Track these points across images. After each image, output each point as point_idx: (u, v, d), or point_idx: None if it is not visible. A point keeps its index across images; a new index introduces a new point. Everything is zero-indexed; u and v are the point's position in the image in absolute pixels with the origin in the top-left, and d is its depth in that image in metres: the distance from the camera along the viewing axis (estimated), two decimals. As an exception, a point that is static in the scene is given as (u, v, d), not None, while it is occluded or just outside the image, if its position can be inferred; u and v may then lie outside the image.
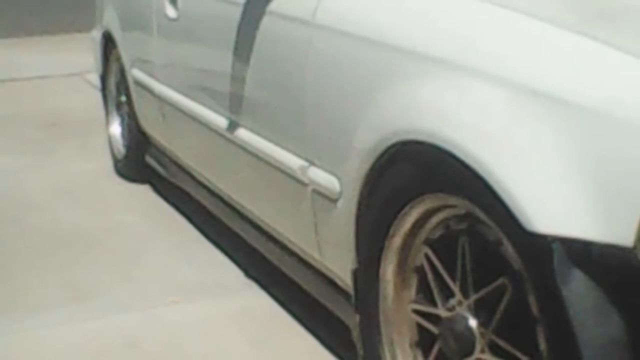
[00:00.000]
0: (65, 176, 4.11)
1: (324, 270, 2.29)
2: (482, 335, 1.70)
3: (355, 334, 2.07)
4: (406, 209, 1.82)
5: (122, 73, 3.85)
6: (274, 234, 2.59)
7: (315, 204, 2.18)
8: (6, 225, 3.49)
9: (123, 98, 3.97)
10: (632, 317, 1.39)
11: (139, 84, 3.58)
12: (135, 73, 3.61)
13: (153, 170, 3.75)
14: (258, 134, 2.47)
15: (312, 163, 2.18)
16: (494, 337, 1.68)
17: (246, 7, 2.45)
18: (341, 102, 2.03)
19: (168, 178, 3.61)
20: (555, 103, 1.49)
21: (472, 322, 1.72)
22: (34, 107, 5.49)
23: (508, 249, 1.58)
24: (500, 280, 1.64)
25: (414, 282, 1.91)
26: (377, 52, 1.91)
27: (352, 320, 2.08)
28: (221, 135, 2.70)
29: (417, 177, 1.77)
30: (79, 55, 6.37)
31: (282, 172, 2.32)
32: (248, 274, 2.97)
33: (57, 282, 2.96)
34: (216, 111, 2.75)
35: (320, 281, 2.34)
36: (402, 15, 1.91)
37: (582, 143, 1.44)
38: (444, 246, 1.80)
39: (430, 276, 1.84)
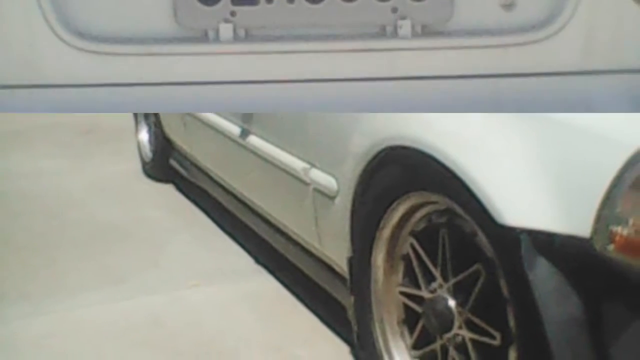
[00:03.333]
0: (99, 177, 4.10)
1: (323, 257, 2.29)
2: (460, 313, 1.70)
3: (350, 312, 2.07)
4: (394, 205, 1.82)
5: (149, 87, 3.84)
6: (281, 227, 2.58)
7: (316, 200, 2.18)
8: (49, 219, 3.48)
9: (150, 109, 3.96)
10: (588, 298, 1.40)
11: (163, 97, 3.57)
12: (161, 87, 3.60)
13: (176, 171, 3.74)
14: (266, 140, 2.46)
15: (313, 165, 2.18)
16: (470, 316, 1.68)
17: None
18: (338, 112, 2.03)
19: (189, 178, 3.60)
20: (523, 113, 1.49)
21: (451, 303, 1.72)
22: (71, 116, 5.44)
23: (482, 239, 1.58)
24: (475, 267, 1.64)
25: (401, 268, 1.91)
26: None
27: (348, 300, 2.07)
28: (235, 141, 2.70)
29: (404, 178, 1.77)
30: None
31: (287, 173, 2.32)
32: (258, 261, 2.97)
33: (93, 268, 2.95)
34: (230, 120, 2.74)
35: (320, 267, 2.33)
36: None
37: (547, 148, 1.44)
38: (426, 237, 1.80)
39: (415, 263, 1.84)
